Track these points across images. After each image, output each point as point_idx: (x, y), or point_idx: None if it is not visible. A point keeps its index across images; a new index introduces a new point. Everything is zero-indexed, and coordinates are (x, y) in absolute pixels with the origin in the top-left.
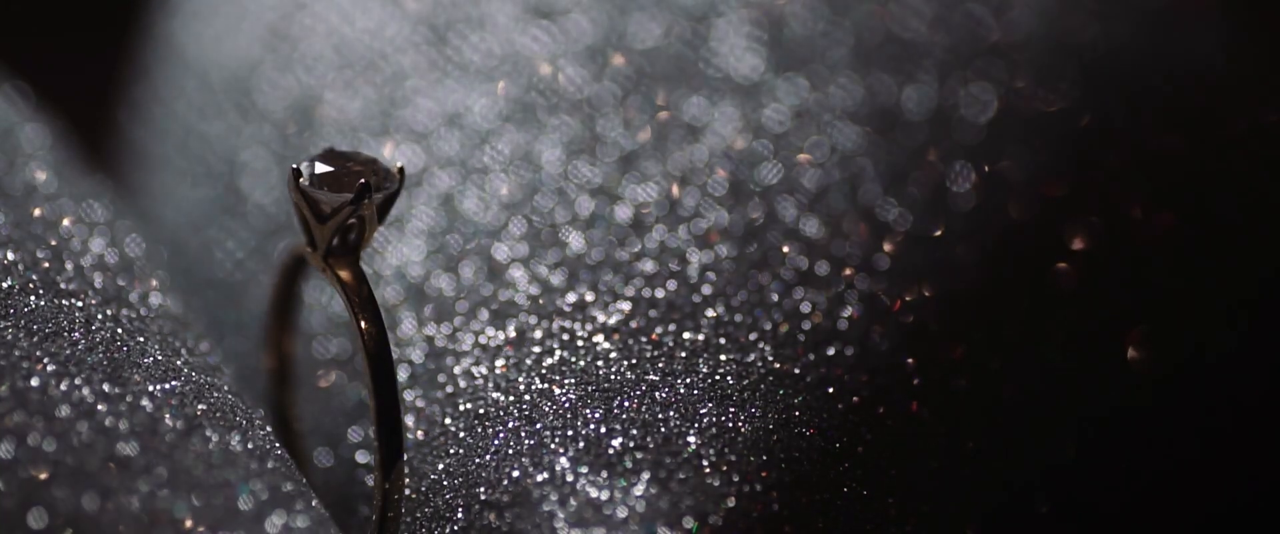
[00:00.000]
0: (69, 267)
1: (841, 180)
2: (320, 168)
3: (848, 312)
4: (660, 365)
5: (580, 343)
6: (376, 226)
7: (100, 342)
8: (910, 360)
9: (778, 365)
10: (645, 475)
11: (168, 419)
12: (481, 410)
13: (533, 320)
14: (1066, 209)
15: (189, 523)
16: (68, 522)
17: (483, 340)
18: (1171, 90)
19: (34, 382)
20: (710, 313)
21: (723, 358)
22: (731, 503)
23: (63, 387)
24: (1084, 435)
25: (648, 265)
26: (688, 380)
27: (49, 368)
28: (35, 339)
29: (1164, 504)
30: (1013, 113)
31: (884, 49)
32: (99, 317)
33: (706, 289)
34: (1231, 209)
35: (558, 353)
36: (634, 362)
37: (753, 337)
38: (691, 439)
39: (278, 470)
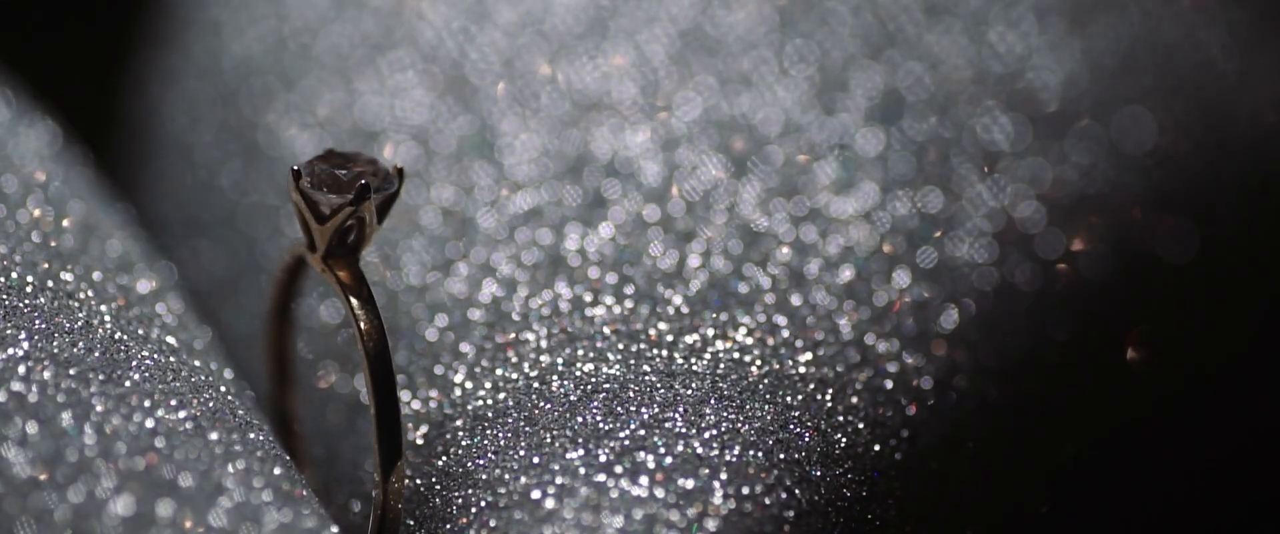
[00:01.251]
0: (69, 266)
1: (842, 180)
2: (320, 168)
3: (847, 312)
4: (660, 365)
5: (581, 343)
6: (376, 227)
7: (100, 341)
8: (910, 360)
9: (778, 365)
10: (645, 476)
11: (168, 419)
12: (481, 410)
13: (533, 320)
14: (1066, 209)
15: (189, 523)
16: (68, 522)
17: (483, 340)
18: (1172, 90)
19: (34, 382)
20: (710, 313)
21: (723, 358)
22: (732, 503)
23: (63, 387)
24: (1083, 436)
25: (648, 265)
26: (688, 380)
27: (49, 368)
28: (35, 339)
29: (1164, 504)
30: (1013, 114)
31: (884, 49)
32: (99, 317)
33: (706, 289)
34: (1232, 209)
35: (558, 353)
36: (634, 362)
37: (753, 337)
38: (692, 439)
39: (278, 470)
